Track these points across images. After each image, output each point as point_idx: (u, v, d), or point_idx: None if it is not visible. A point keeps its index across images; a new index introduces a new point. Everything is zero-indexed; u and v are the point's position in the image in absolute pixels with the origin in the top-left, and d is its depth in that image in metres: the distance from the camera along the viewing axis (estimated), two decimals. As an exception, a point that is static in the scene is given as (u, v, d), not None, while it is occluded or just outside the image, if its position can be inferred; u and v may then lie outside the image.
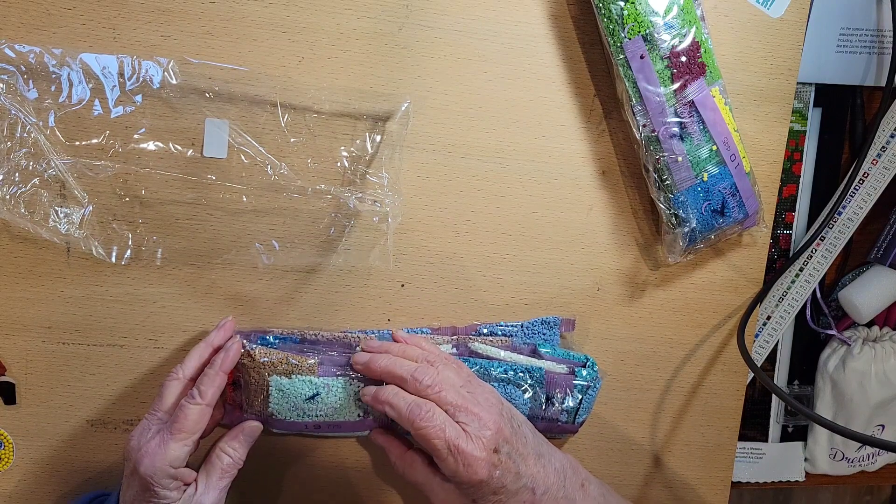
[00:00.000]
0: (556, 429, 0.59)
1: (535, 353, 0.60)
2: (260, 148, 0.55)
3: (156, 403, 0.52)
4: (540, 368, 0.57)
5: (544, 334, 0.62)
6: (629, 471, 0.67)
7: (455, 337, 0.60)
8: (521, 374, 0.57)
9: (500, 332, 0.61)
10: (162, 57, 0.53)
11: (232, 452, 0.53)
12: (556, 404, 0.58)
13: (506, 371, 0.57)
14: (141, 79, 0.53)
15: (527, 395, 0.57)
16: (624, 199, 0.61)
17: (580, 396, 0.58)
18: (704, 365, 0.66)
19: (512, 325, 0.61)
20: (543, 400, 0.57)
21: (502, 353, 0.59)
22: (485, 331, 0.61)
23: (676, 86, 0.55)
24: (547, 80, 0.58)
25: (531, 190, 0.60)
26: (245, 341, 0.55)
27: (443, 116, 0.58)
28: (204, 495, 0.51)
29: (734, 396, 0.67)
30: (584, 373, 0.59)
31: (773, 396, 0.72)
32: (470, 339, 0.60)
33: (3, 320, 0.56)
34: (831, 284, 0.70)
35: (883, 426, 0.72)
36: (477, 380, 0.54)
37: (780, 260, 0.68)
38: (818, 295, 0.69)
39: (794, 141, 0.66)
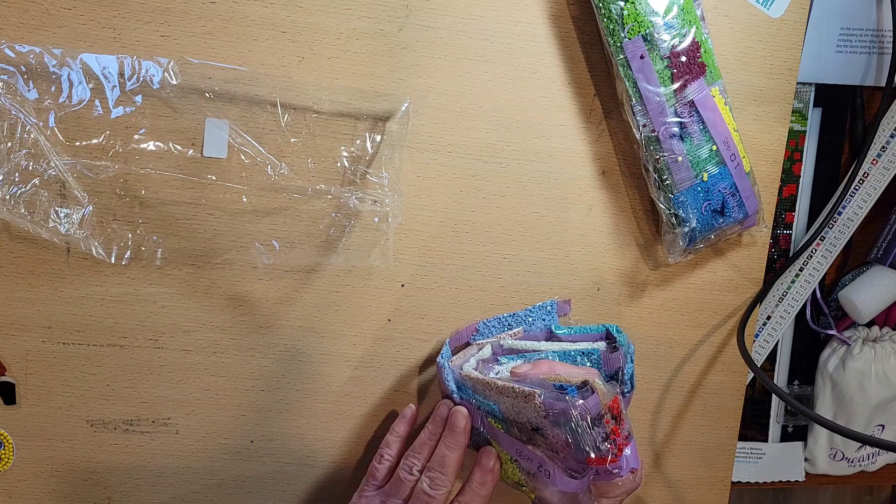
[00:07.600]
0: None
1: (552, 337, 0.60)
2: (260, 148, 0.55)
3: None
4: (596, 350, 0.56)
5: (544, 319, 0.61)
6: (629, 471, 0.67)
7: (485, 340, 0.60)
8: (581, 360, 0.56)
9: (499, 325, 0.61)
10: (162, 57, 0.53)
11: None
12: (619, 380, 0.57)
13: (563, 358, 0.56)
14: (141, 79, 0.53)
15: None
16: (624, 199, 0.61)
17: (632, 364, 0.57)
18: (704, 365, 0.66)
19: (510, 316, 0.61)
20: (606, 379, 0.56)
21: (542, 345, 0.58)
22: (484, 328, 0.61)
23: (676, 86, 0.55)
24: (547, 80, 0.58)
25: (531, 190, 0.60)
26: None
27: (443, 116, 0.58)
28: None
29: (734, 396, 0.67)
30: (621, 339, 0.57)
31: (773, 396, 0.72)
32: (501, 338, 0.60)
33: (3, 320, 0.56)
34: (831, 284, 0.70)
35: (883, 426, 0.72)
36: None
37: (780, 260, 0.68)
38: (818, 295, 0.69)
39: (794, 141, 0.66)
